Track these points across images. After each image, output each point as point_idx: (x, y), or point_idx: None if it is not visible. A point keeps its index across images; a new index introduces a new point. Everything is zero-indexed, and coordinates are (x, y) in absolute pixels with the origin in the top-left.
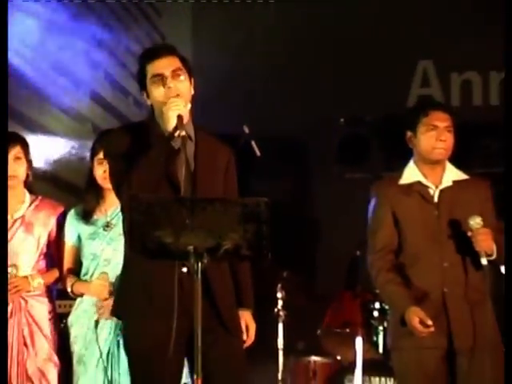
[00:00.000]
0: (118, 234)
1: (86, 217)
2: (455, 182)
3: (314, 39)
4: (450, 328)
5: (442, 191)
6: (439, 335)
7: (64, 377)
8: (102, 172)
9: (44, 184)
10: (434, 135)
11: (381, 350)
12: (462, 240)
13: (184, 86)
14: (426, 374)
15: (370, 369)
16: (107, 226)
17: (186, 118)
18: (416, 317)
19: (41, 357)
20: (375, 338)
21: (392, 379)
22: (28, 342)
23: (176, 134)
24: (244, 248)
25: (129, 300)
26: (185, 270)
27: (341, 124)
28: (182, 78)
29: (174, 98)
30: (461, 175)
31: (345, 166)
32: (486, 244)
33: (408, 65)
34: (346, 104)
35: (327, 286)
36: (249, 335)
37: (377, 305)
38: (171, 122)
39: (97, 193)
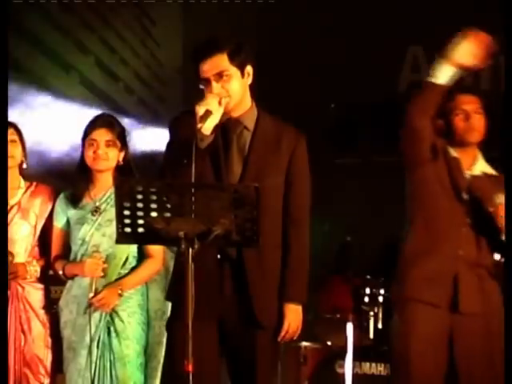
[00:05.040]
0: (106, 219)
1: (75, 201)
2: (483, 174)
3: (304, 26)
4: (458, 292)
5: (473, 177)
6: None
7: (58, 362)
8: (91, 153)
9: (35, 170)
10: (463, 118)
11: (371, 335)
12: (481, 228)
13: (231, 84)
14: (427, 331)
15: (360, 354)
16: (95, 210)
17: (219, 115)
18: None
19: (38, 343)
20: (366, 324)
21: (383, 364)
22: (25, 328)
23: (198, 126)
24: (234, 233)
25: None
26: (219, 256)
27: (331, 109)
28: (225, 77)
29: (211, 94)
30: (489, 170)
31: (334, 152)
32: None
33: (398, 51)
34: (337, 90)
35: (318, 272)
36: (285, 330)
37: (367, 290)
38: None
39: (86, 177)
